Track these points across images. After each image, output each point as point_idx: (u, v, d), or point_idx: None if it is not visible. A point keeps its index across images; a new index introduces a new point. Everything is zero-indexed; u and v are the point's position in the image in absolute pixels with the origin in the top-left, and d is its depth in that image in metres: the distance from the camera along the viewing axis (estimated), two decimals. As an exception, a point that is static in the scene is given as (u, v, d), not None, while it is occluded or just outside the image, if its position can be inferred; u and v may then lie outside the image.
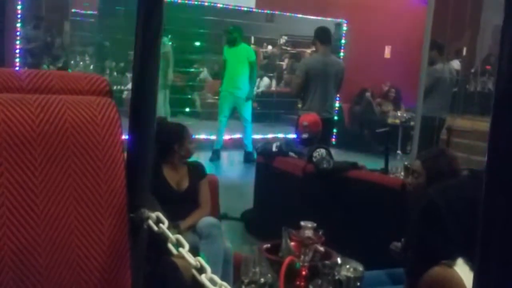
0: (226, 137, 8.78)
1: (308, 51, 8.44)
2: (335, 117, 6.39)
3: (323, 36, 6.29)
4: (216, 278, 1.22)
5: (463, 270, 1.76)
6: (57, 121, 1.25)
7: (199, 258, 1.27)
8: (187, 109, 11.09)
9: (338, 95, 7.44)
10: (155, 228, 1.34)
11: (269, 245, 2.68)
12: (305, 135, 5.03)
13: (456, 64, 10.51)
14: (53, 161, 1.22)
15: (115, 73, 10.54)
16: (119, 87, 8.98)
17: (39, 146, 1.22)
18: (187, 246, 1.30)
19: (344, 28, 10.66)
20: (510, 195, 0.77)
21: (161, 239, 1.33)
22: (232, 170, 8.16)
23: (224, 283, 1.21)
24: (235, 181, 7.41)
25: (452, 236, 1.80)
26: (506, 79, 0.77)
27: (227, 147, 8.56)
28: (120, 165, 1.30)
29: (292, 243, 2.56)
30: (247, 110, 8.29)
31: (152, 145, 1.47)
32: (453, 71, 7.88)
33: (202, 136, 9.22)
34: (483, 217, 0.79)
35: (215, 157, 8.23)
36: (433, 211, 1.85)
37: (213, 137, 8.65)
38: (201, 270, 1.24)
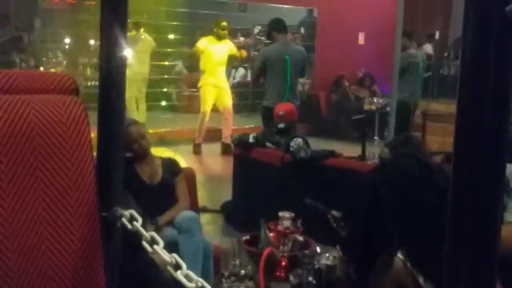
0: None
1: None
2: (297, 104, 6.32)
3: (278, 26, 6.36)
4: (192, 274, 1.21)
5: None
6: (22, 122, 1.22)
7: (174, 255, 1.25)
8: (163, 103, 11.01)
9: (305, 82, 7.46)
10: (129, 226, 1.32)
11: (248, 237, 2.68)
12: (281, 125, 5.02)
13: (428, 48, 10.60)
14: (20, 163, 1.19)
15: (88, 69, 10.40)
16: (93, 83, 8.86)
17: (4, 147, 1.19)
18: (161, 243, 1.28)
19: (317, 15, 10.66)
20: (476, 175, 0.77)
21: (136, 237, 1.31)
22: (215, 162, 8.15)
23: (200, 279, 1.20)
24: (217, 172, 7.41)
25: (391, 226, 1.78)
26: (469, 62, 0.77)
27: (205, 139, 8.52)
28: (89, 164, 1.28)
29: (271, 234, 2.56)
30: (229, 101, 8.30)
31: (122, 142, 1.45)
32: (424, 56, 7.95)
33: (179, 129, 9.18)
34: (451, 198, 0.79)
35: (198, 150, 8.22)
36: (374, 196, 1.82)
37: (188, 129, 8.62)
38: (177, 266, 1.23)
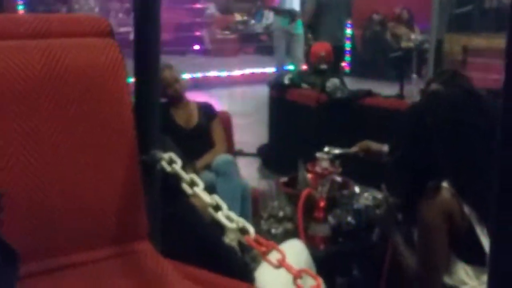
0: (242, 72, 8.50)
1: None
2: (346, 45, 6.32)
3: None
4: (233, 215, 1.21)
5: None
6: (59, 65, 1.21)
7: (215, 196, 1.26)
8: (196, 47, 10.94)
9: (348, 22, 7.24)
10: (168, 168, 1.33)
11: (286, 179, 2.68)
12: (323, 66, 4.92)
13: None
14: (59, 107, 1.20)
15: (120, 15, 10.36)
16: (125, 28, 8.83)
17: (43, 92, 1.19)
18: (201, 184, 1.28)
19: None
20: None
21: (175, 179, 1.32)
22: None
23: (241, 219, 1.20)
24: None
25: (439, 154, 1.75)
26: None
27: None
28: (127, 106, 1.27)
29: (309, 175, 2.55)
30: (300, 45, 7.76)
31: (158, 86, 1.44)
32: None
33: (212, 74, 9.14)
34: (502, 129, 0.76)
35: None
36: (422, 124, 1.79)
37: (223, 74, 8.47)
38: (217, 207, 1.24)
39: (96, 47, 1.27)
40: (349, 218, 2.39)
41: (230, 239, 2.16)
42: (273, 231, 2.40)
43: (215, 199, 1.24)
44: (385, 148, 2.51)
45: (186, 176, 1.29)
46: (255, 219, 2.62)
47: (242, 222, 1.18)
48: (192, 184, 1.29)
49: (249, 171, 4.58)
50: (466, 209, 1.71)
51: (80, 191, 1.22)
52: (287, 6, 6.94)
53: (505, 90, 0.76)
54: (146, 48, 1.39)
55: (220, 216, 1.21)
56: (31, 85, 1.18)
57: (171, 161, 1.33)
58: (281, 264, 1.07)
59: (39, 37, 1.26)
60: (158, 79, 1.46)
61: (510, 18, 0.74)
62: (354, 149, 2.69)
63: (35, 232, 1.16)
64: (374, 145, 2.64)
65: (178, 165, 1.31)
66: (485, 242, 1.69)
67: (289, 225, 2.41)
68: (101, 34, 1.31)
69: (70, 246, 1.21)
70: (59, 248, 1.20)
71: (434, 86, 2.02)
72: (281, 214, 2.46)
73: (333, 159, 2.60)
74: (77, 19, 1.38)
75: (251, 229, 1.17)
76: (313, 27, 6.34)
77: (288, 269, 1.05)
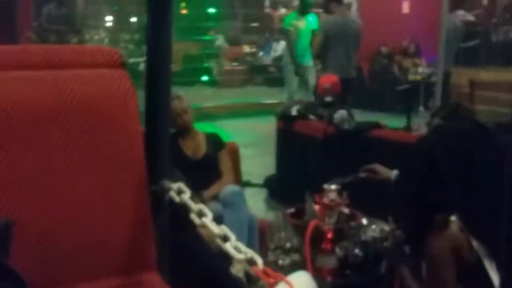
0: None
1: (322, 12, 8.21)
2: (354, 77, 6.39)
3: None
4: (241, 246, 1.21)
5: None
6: (72, 97, 1.23)
7: (223, 227, 1.26)
8: (205, 78, 11.04)
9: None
10: (177, 198, 1.33)
11: (293, 210, 2.67)
12: (328, 98, 4.95)
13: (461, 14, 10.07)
14: (71, 137, 1.21)
15: (130, 46, 10.50)
16: (134, 59, 8.95)
17: (56, 123, 1.20)
18: (210, 215, 1.29)
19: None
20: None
21: (184, 209, 1.32)
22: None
23: (249, 250, 1.20)
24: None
25: (447, 188, 1.75)
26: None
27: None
28: (138, 137, 1.29)
29: (316, 207, 2.55)
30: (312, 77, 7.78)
31: (168, 116, 1.45)
32: (457, 23, 7.68)
33: (221, 104, 9.19)
34: (509, 169, 0.76)
35: None
36: (430, 158, 1.79)
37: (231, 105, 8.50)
38: (225, 238, 1.24)
39: (108, 78, 1.29)
40: (357, 250, 2.37)
41: (236, 270, 2.15)
42: (280, 262, 2.38)
43: (224, 229, 1.24)
44: (393, 174, 2.51)
45: (195, 206, 1.30)
46: (262, 250, 2.61)
47: (251, 253, 1.18)
48: (201, 214, 1.29)
49: (256, 202, 4.58)
50: (475, 243, 1.70)
51: (90, 221, 1.23)
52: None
53: (513, 124, 0.77)
54: (157, 79, 1.41)
55: (228, 246, 1.21)
56: (44, 115, 1.20)
57: (179, 191, 1.34)
58: (289, 296, 1.06)
59: (52, 68, 1.28)
60: (169, 110, 1.47)
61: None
62: (362, 174, 2.69)
63: (43, 262, 1.17)
64: (383, 169, 2.64)
65: (186, 195, 1.32)
66: (494, 276, 1.67)
67: (296, 257, 2.40)
68: (113, 65, 1.33)
69: (79, 276, 1.21)
70: (67, 278, 1.20)
71: (435, 121, 2.03)
72: (288, 245, 2.45)
73: (341, 190, 2.60)
74: (89, 50, 1.41)
75: (259, 260, 1.16)
76: (322, 59, 6.40)
77: (296, 301, 1.05)
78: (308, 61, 7.10)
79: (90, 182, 1.22)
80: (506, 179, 0.78)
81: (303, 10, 7.08)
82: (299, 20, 7.12)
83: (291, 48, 7.11)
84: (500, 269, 0.84)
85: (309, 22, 7.07)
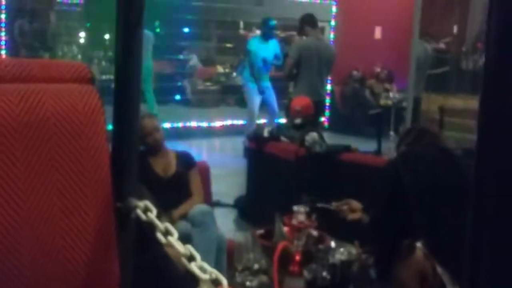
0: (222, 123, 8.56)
1: (296, 34, 8.39)
2: (326, 100, 6.48)
3: (311, 20, 6.46)
4: (206, 266, 1.20)
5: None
6: (38, 111, 1.21)
7: (189, 246, 1.24)
8: (177, 97, 11.01)
9: (329, 78, 7.43)
10: (143, 217, 1.31)
11: (262, 231, 2.66)
12: (297, 120, 4.99)
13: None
14: (35, 152, 1.19)
15: (103, 63, 10.44)
16: (108, 76, 8.88)
17: (20, 136, 1.18)
18: (176, 234, 1.27)
19: (334, 9, 10.59)
20: (501, 174, 0.75)
21: (150, 228, 1.30)
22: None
23: (215, 270, 1.18)
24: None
25: (413, 213, 1.77)
26: (495, 57, 0.75)
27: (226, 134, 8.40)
28: (104, 154, 1.27)
29: (285, 228, 2.54)
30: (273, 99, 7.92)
31: (137, 134, 1.44)
32: (428, 51, 7.91)
33: (193, 124, 9.17)
34: (474, 194, 0.77)
35: None
36: (397, 183, 1.81)
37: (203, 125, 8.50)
38: (190, 258, 1.22)
39: (76, 93, 1.27)
40: (324, 273, 2.37)
41: (203, 292, 2.13)
42: (247, 283, 2.37)
43: (189, 249, 1.23)
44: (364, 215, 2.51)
45: (161, 225, 1.28)
46: (230, 271, 2.59)
47: (216, 273, 1.17)
48: (167, 233, 1.27)
49: (225, 222, 4.55)
50: (439, 269, 1.72)
51: (52, 238, 1.20)
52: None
53: (478, 150, 0.78)
54: (126, 96, 1.39)
55: (193, 266, 1.19)
56: (8, 129, 1.17)
57: (146, 209, 1.32)
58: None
59: (19, 81, 1.26)
60: (138, 127, 1.46)
61: (484, 81, 0.77)
62: (332, 206, 2.70)
63: (1, 279, 1.13)
64: (356, 206, 2.64)
65: (153, 214, 1.30)
66: None
67: (264, 278, 2.38)
68: (81, 80, 1.32)
69: (38, 294, 1.18)
70: (26, 296, 1.17)
71: (402, 147, 2.05)
72: (256, 266, 2.43)
73: (310, 212, 2.60)
74: (57, 64, 1.39)
75: (224, 281, 1.15)
76: (295, 81, 6.46)
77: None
78: (267, 83, 7.62)
79: (52, 199, 1.19)
80: (470, 205, 0.78)
81: (266, 35, 7.59)
82: (262, 43, 7.59)
83: (253, 67, 7.47)
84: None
85: (271, 46, 7.60)
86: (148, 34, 9.02)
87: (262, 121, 7.84)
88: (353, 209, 2.64)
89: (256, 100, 7.57)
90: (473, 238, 0.78)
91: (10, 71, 1.26)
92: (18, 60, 1.30)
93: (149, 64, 8.93)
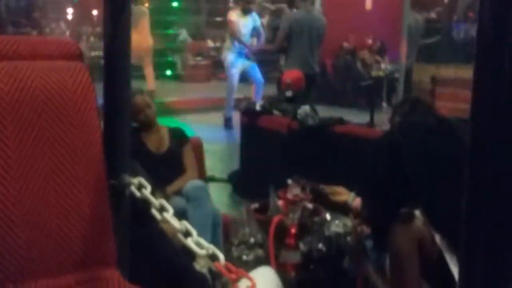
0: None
1: (287, 7, 8.33)
2: (318, 72, 6.46)
3: None
4: (203, 241, 1.19)
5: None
6: (27, 88, 1.19)
7: (185, 222, 1.24)
8: (168, 72, 10.93)
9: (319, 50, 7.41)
10: (138, 193, 1.30)
11: (257, 205, 2.67)
12: (288, 93, 4.98)
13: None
14: (26, 130, 1.17)
15: (92, 38, 10.31)
16: (97, 52, 8.78)
17: (10, 115, 1.16)
18: (171, 210, 1.26)
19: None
20: (495, 141, 0.75)
21: (144, 204, 1.30)
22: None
23: (211, 246, 1.18)
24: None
25: (411, 182, 1.77)
26: (487, 26, 0.74)
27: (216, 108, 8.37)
28: (96, 130, 1.25)
29: (280, 202, 2.55)
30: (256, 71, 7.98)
31: (129, 110, 1.42)
32: (419, 21, 7.85)
33: (184, 99, 9.12)
34: (469, 164, 0.77)
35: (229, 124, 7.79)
36: (395, 153, 1.81)
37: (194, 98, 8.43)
38: (187, 234, 1.22)
39: (64, 70, 1.25)
40: (320, 245, 2.38)
41: (200, 266, 2.13)
42: (244, 257, 2.38)
43: (185, 225, 1.22)
44: (351, 197, 2.48)
45: (156, 201, 1.27)
46: (226, 246, 2.60)
47: (212, 248, 1.17)
48: (162, 209, 1.27)
49: (220, 197, 4.55)
50: (437, 237, 1.73)
51: (46, 216, 1.19)
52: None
53: (472, 119, 0.77)
54: (116, 73, 1.37)
55: (190, 242, 1.19)
56: (-2, 107, 1.15)
57: (140, 186, 1.31)
58: (251, 291, 1.05)
59: (7, 59, 1.23)
60: (129, 104, 1.44)
61: (477, 49, 0.76)
62: (326, 189, 2.65)
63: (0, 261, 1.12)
64: (343, 192, 2.60)
65: (147, 190, 1.30)
66: (454, 269, 1.70)
67: (260, 252, 2.39)
68: (70, 57, 1.29)
69: (36, 272, 1.17)
70: (24, 275, 1.16)
71: (396, 118, 2.05)
72: (252, 240, 2.44)
73: (305, 185, 2.60)
74: (45, 41, 1.36)
75: (221, 256, 1.15)
76: (285, 54, 6.43)
77: (258, 297, 1.03)
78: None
79: (45, 177, 1.18)
80: (466, 174, 0.78)
81: (244, 9, 7.59)
82: (242, 17, 7.61)
83: (233, 39, 7.56)
84: (459, 263, 0.84)
85: (249, 20, 7.60)
86: (143, 10, 8.93)
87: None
88: (338, 192, 2.61)
89: (234, 71, 7.63)
90: (469, 206, 0.78)
91: (-3, 48, 1.23)
92: (5, 38, 1.27)
93: (148, 40, 8.83)
